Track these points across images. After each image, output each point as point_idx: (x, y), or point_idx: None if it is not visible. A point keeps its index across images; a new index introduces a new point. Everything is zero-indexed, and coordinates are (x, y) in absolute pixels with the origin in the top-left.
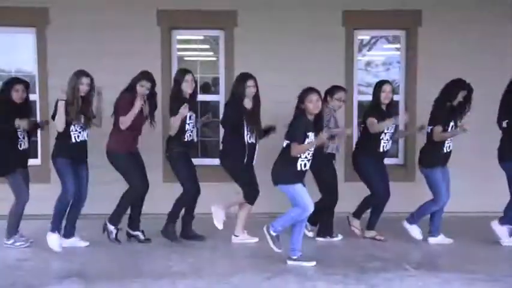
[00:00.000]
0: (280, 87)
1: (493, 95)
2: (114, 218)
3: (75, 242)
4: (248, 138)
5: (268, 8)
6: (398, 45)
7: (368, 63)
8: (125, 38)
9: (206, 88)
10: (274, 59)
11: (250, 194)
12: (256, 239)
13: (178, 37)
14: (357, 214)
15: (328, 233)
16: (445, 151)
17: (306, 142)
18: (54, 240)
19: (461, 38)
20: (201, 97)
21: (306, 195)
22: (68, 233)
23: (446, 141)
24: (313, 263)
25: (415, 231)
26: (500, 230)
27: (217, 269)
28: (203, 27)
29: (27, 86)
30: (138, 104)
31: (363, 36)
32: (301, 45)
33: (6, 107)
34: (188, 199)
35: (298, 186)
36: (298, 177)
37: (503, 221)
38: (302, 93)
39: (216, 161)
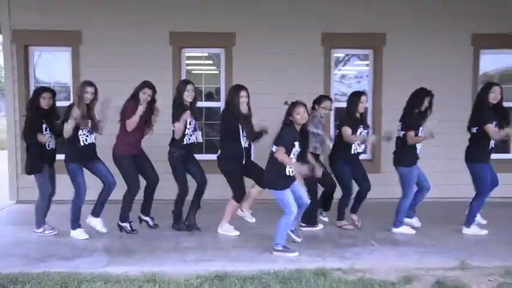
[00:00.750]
0: (270, 95)
1: (443, 102)
2: (123, 217)
3: (100, 223)
4: (244, 142)
5: (260, 31)
6: (367, 62)
7: (343, 76)
8: (144, 54)
9: (209, 96)
10: (265, 72)
11: (240, 195)
12: (237, 233)
13: (187, 54)
14: (353, 210)
15: (312, 223)
16: (418, 151)
17: (292, 151)
18: (78, 234)
19: (419, 56)
20: (205, 104)
21: (291, 200)
22: (97, 213)
23: (418, 144)
24: (296, 253)
25: (408, 227)
26: (473, 231)
27: (219, 245)
28: (207, 46)
29: (53, 94)
30: (141, 108)
31: (338, 54)
32: (287, 61)
33: (36, 112)
34: (181, 198)
35: (286, 192)
36: (288, 182)
37: (468, 224)
38: (290, 107)
39: None
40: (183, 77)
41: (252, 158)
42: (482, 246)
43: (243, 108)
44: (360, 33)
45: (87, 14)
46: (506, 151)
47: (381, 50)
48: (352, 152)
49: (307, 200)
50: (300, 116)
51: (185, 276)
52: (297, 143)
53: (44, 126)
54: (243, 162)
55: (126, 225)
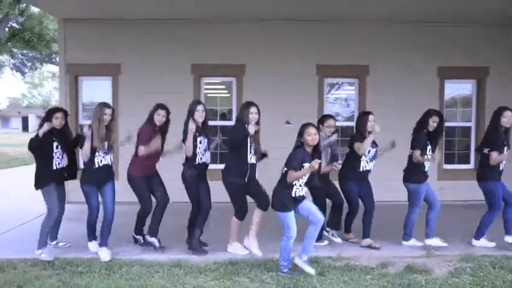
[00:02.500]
0: (274, 114)
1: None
2: (137, 230)
3: (105, 252)
4: (250, 158)
5: (266, 63)
6: (353, 87)
7: (335, 99)
8: (171, 83)
9: (223, 116)
10: (270, 95)
11: (240, 212)
12: (246, 252)
13: (205, 81)
14: (347, 229)
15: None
16: (425, 170)
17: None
18: (92, 246)
19: (396, 84)
20: (220, 123)
21: (293, 224)
22: (103, 243)
23: (425, 162)
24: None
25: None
26: (481, 243)
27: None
28: (222, 75)
29: (66, 114)
30: (155, 144)
31: (330, 81)
32: (288, 87)
33: (48, 131)
34: (194, 217)
35: (289, 215)
36: (293, 203)
37: (477, 237)
38: (302, 128)
39: None
40: (202, 99)
41: (255, 176)
42: (444, 240)
43: (251, 127)
44: (347, 65)
45: (125, 50)
46: (467, 162)
47: (365, 79)
48: (361, 170)
49: (320, 216)
50: (311, 137)
51: (204, 262)
52: (306, 164)
53: (54, 144)
54: (246, 179)
55: (139, 237)
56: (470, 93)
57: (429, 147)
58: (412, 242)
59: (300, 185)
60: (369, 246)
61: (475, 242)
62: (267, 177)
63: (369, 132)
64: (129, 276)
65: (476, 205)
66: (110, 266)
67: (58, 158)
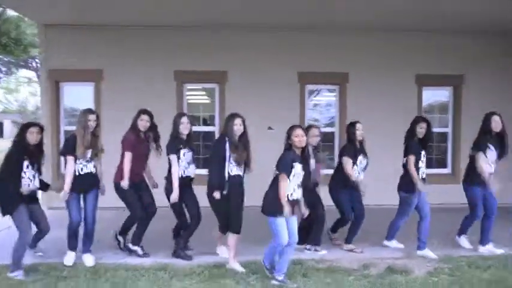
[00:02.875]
0: (256, 121)
1: (393, 129)
2: (122, 230)
3: (90, 258)
4: (230, 170)
5: (248, 70)
6: (334, 94)
7: (315, 105)
8: (153, 89)
9: (205, 122)
10: (252, 103)
11: (222, 226)
12: (242, 270)
13: (188, 87)
14: (334, 230)
15: (316, 243)
16: (420, 177)
17: (292, 173)
18: (69, 256)
19: (375, 91)
20: (202, 128)
21: (283, 231)
22: (86, 249)
23: (421, 170)
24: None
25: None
26: (487, 248)
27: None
28: (204, 82)
29: (41, 129)
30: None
31: (311, 87)
32: (270, 93)
33: (18, 148)
34: (178, 228)
35: (279, 221)
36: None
37: (483, 242)
38: (289, 130)
39: None
40: (184, 105)
41: (240, 190)
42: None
43: (234, 136)
44: (328, 72)
45: (107, 56)
46: (444, 166)
47: (345, 85)
48: (353, 180)
49: (295, 239)
50: (298, 139)
51: (190, 265)
52: (296, 164)
53: (25, 163)
54: (224, 191)
55: (137, 248)
56: (447, 100)
57: (423, 153)
58: (394, 243)
59: (294, 189)
60: (351, 251)
61: (481, 248)
62: (253, 183)
63: (359, 141)
64: (114, 281)
65: (454, 208)
66: (94, 271)
67: (28, 178)
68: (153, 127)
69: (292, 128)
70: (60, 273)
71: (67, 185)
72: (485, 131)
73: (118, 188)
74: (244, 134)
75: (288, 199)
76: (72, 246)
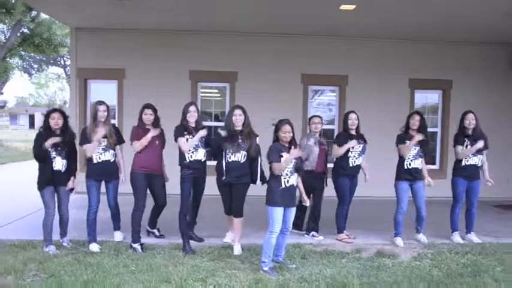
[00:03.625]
0: (262, 117)
1: (387, 127)
2: (134, 237)
3: (116, 234)
4: (228, 157)
5: (257, 71)
6: (335, 94)
7: (318, 104)
8: (170, 87)
9: (217, 117)
10: (260, 101)
11: (226, 209)
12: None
13: (201, 86)
14: (339, 230)
15: (314, 229)
16: (405, 167)
17: (282, 161)
18: (93, 246)
19: (372, 92)
20: (214, 123)
21: (278, 219)
22: (115, 227)
23: (407, 159)
24: (274, 278)
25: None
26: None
27: (225, 226)
28: (216, 81)
29: (63, 114)
30: (149, 135)
31: (314, 88)
32: (276, 93)
33: (44, 132)
34: (182, 215)
35: (277, 209)
36: (284, 196)
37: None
38: (278, 123)
39: None
40: (198, 102)
41: (244, 174)
42: (409, 231)
43: (231, 126)
44: (329, 75)
45: (129, 57)
46: (433, 163)
47: (344, 87)
48: (351, 165)
49: (288, 226)
50: (284, 134)
51: (200, 246)
52: (284, 154)
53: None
54: (223, 178)
55: (137, 246)
56: (436, 102)
57: (415, 148)
58: (399, 240)
59: (287, 174)
60: (341, 240)
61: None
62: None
63: (351, 130)
64: (134, 257)
65: (441, 201)
66: (117, 248)
67: (53, 160)
68: (156, 120)
69: (281, 123)
70: (87, 249)
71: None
72: (461, 127)
73: (130, 175)
74: (245, 123)
75: (285, 186)
76: (92, 238)
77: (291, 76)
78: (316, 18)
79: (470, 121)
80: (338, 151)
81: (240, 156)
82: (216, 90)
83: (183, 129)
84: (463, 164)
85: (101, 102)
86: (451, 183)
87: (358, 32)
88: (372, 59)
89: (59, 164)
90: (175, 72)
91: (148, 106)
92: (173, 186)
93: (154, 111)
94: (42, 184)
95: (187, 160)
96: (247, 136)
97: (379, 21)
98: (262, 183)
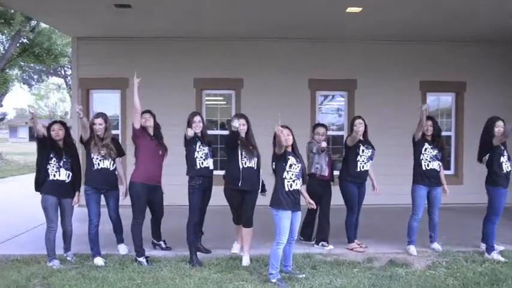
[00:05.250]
0: (268, 126)
1: (398, 132)
2: (138, 251)
3: (120, 247)
4: (243, 163)
5: (262, 77)
6: (343, 99)
7: (326, 110)
8: (174, 95)
9: (222, 125)
10: (266, 107)
11: (234, 218)
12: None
13: (206, 93)
14: (350, 239)
15: (323, 239)
16: (423, 169)
17: (288, 164)
18: (98, 260)
19: (381, 97)
20: (220, 132)
21: (285, 228)
22: (118, 240)
23: (424, 160)
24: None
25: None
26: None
27: (232, 238)
28: (222, 88)
29: (63, 125)
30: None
31: (322, 93)
32: (283, 99)
33: (43, 143)
34: (191, 226)
35: (284, 214)
36: (289, 200)
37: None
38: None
39: None
40: (203, 110)
41: (255, 181)
42: (423, 238)
43: (233, 124)
44: (337, 79)
45: (131, 66)
46: (448, 168)
47: (353, 91)
48: (359, 170)
49: (294, 235)
50: (285, 138)
51: (208, 258)
52: (290, 157)
53: (51, 155)
54: (239, 184)
55: (142, 260)
56: (450, 106)
57: (433, 150)
58: (412, 248)
59: (291, 178)
60: (352, 249)
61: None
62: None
63: (364, 137)
64: (140, 270)
65: (456, 208)
66: (122, 261)
67: (53, 170)
68: (156, 126)
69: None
70: (92, 263)
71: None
72: (488, 135)
73: (131, 185)
74: (249, 133)
75: (289, 189)
76: (96, 253)
77: (297, 82)
78: (323, 22)
79: (500, 129)
80: (355, 136)
81: (253, 163)
82: (222, 98)
83: (190, 141)
84: (504, 170)
85: (98, 115)
86: (490, 192)
87: (365, 34)
88: (380, 61)
89: (63, 174)
90: (180, 80)
91: (146, 111)
92: (177, 197)
93: (153, 116)
94: (38, 186)
95: (198, 167)
96: (254, 144)
97: (386, 22)
98: (261, 192)
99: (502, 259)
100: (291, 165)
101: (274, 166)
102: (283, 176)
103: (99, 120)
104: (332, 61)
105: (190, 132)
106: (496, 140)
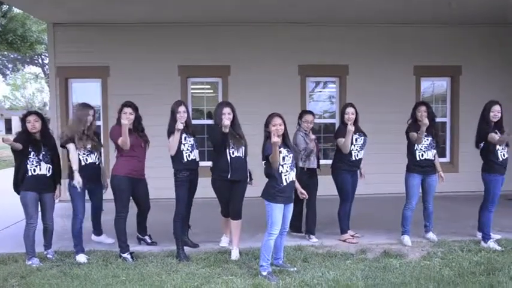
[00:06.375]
0: (258, 114)
1: (392, 119)
2: (122, 247)
3: (104, 239)
4: (231, 153)
5: (250, 64)
6: (334, 85)
7: (317, 97)
8: (159, 84)
9: (209, 115)
10: (254, 95)
11: (223, 210)
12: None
13: (192, 81)
14: (343, 230)
15: (310, 231)
16: (417, 159)
17: (281, 157)
18: (80, 257)
19: (374, 82)
20: (206, 121)
21: (277, 219)
22: (98, 233)
23: (419, 150)
24: (274, 282)
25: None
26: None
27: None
28: (208, 76)
29: (40, 116)
30: (124, 122)
31: (312, 80)
32: (272, 86)
33: (21, 136)
34: (178, 219)
35: (276, 207)
36: (285, 193)
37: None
38: (268, 118)
39: None
40: (189, 99)
41: (243, 170)
42: (418, 228)
43: (224, 124)
44: (328, 65)
45: (113, 53)
46: (443, 155)
47: (345, 77)
48: (353, 159)
49: (286, 226)
50: (276, 128)
51: (196, 252)
52: (281, 149)
53: (29, 149)
54: (229, 176)
55: (127, 256)
56: (445, 91)
57: (427, 138)
58: (406, 238)
59: (287, 170)
60: (345, 241)
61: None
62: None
63: (355, 125)
64: (125, 266)
65: (451, 196)
66: (106, 258)
67: (33, 164)
68: (137, 118)
69: (271, 117)
70: (74, 261)
71: (77, 173)
72: (485, 120)
73: (113, 179)
74: (235, 122)
75: (286, 182)
76: (79, 250)
77: (287, 68)
78: (313, 4)
79: (495, 113)
80: (346, 142)
81: (241, 152)
82: (208, 86)
83: (173, 128)
84: (500, 158)
85: (89, 107)
86: (486, 179)
87: (355, 17)
88: (372, 46)
89: (43, 168)
90: (164, 68)
91: (127, 104)
92: (162, 191)
93: (135, 109)
94: (17, 187)
95: (185, 160)
96: (241, 134)
97: (377, 3)
98: (248, 181)
99: (498, 248)
100: (283, 158)
101: (265, 164)
102: (280, 171)
103: (91, 112)
104: (323, 46)
105: (180, 126)
106: (491, 138)
